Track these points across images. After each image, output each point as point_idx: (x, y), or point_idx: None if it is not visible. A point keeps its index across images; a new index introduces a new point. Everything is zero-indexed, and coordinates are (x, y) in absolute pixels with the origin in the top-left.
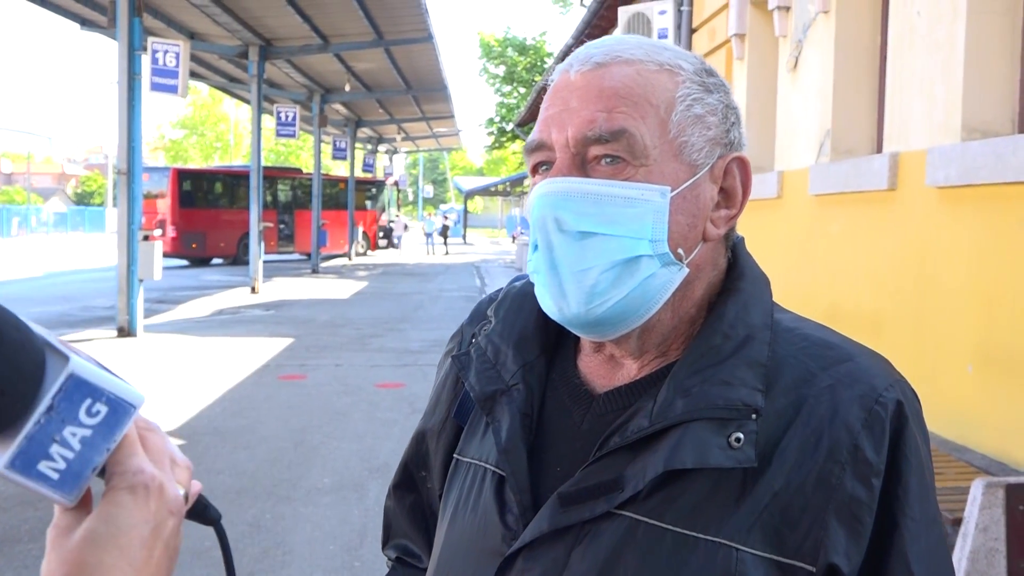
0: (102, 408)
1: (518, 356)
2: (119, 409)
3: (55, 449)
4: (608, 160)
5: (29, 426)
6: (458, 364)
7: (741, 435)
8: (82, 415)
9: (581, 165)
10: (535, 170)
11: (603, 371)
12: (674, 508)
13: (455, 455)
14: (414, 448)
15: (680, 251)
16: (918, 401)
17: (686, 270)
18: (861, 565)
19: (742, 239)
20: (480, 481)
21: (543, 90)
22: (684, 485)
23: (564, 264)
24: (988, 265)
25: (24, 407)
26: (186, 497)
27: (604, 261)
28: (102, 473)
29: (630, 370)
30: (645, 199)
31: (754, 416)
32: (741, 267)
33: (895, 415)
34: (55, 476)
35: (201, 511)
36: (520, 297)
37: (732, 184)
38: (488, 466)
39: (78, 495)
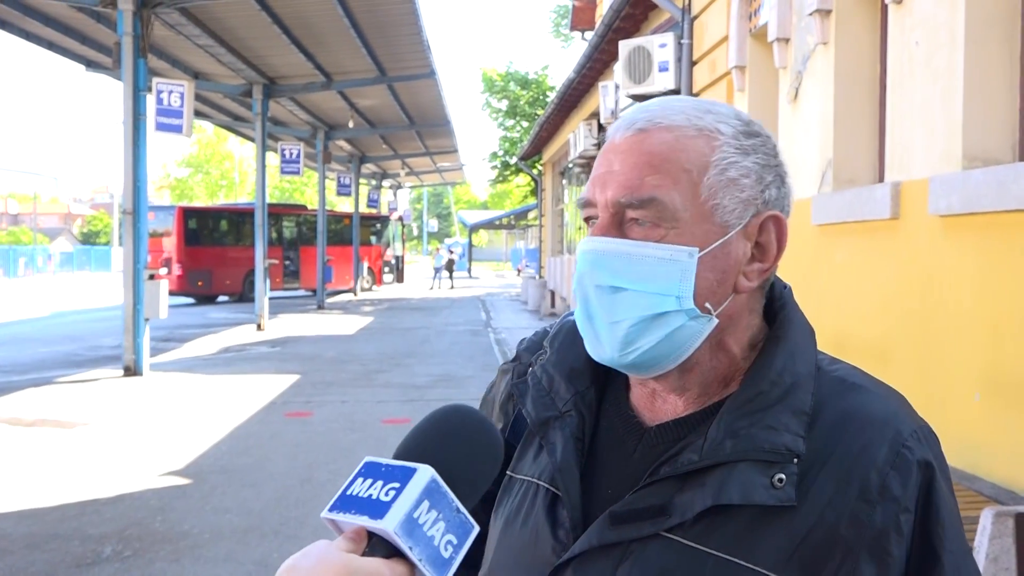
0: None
1: (570, 386)
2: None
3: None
4: (640, 222)
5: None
6: (517, 391)
7: (783, 476)
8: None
9: (619, 224)
10: (587, 221)
11: (650, 404)
12: (718, 536)
13: (508, 472)
14: None
15: (708, 305)
16: (938, 443)
17: (715, 321)
18: None
19: (789, 288)
20: (533, 497)
21: (551, 120)
22: (727, 517)
23: (598, 315)
24: (993, 293)
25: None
26: None
27: (633, 315)
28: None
29: (676, 406)
30: (674, 259)
31: (795, 460)
32: (789, 316)
33: (923, 460)
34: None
35: None
36: (573, 331)
37: (767, 240)
38: (542, 483)
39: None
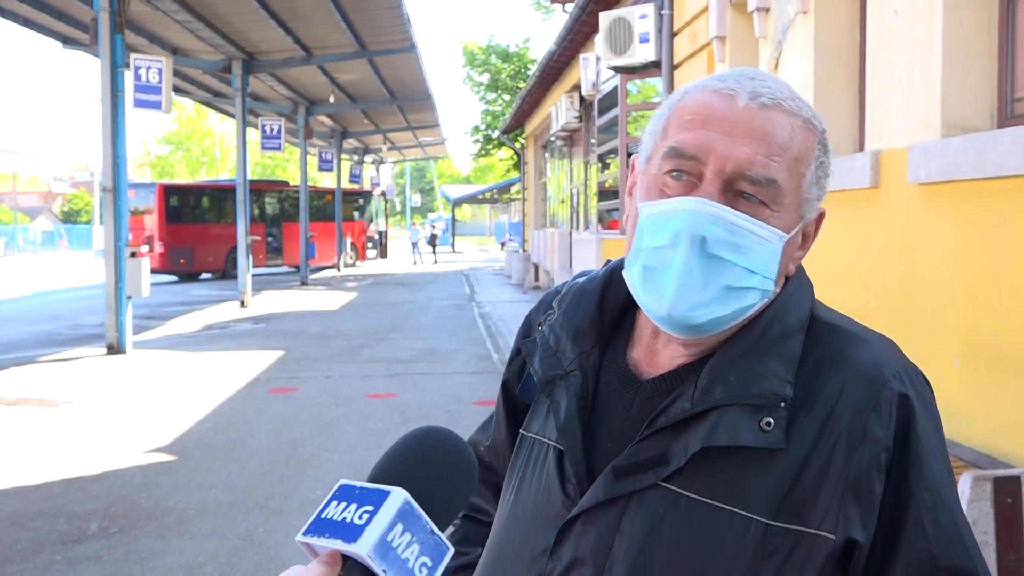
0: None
1: (576, 346)
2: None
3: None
4: (748, 196)
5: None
6: (525, 350)
7: (771, 420)
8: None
9: (725, 192)
10: (669, 172)
11: (649, 358)
12: (713, 484)
13: (521, 430)
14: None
15: (775, 285)
16: (928, 385)
17: (771, 298)
18: (876, 531)
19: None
20: (543, 455)
21: (533, 94)
22: (722, 464)
23: (693, 277)
24: (971, 260)
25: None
26: None
27: (724, 283)
28: None
29: (675, 357)
30: (770, 240)
31: (783, 404)
32: (791, 276)
33: (901, 398)
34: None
35: None
36: (580, 293)
37: (811, 232)
38: (550, 441)
39: None
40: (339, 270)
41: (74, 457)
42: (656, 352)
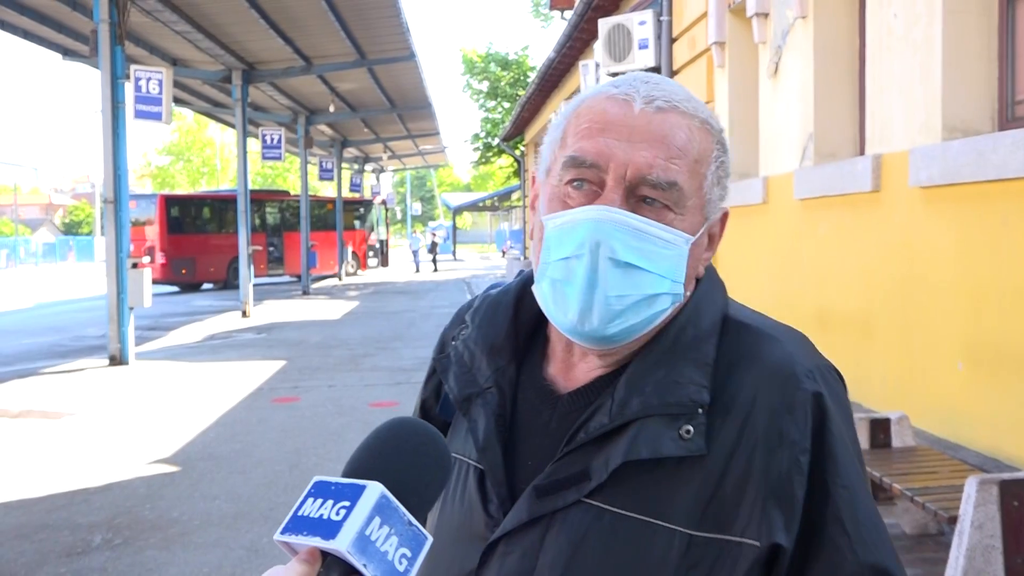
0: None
1: (491, 361)
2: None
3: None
4: (650, 201)
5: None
6: (440, 367)
7: (691, 427)
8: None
9: (628, 199)
10: (570, 182)
11: (565, 371)
12: (636, 497)
13: None
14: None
15: (685, 289)
16: (840, 379)
17: (682, 302)
18: (799, 534)
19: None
20: (465, 474)
21: (532, 101)
22: (645, 476)
23: (602, 287)
24: (973, 263)
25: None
26: None
27: (638, 292)
28: None
29: (590, 371)
30: (676, 244)
31: (701, 411)
32: (701, 278)
33: (815, 398)
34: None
35: None
36: (493, 306)
37: (716, 232)
38: (470, 461)
39: None
40: (340, 279)
41: (78, 469)
42: (571, 366)
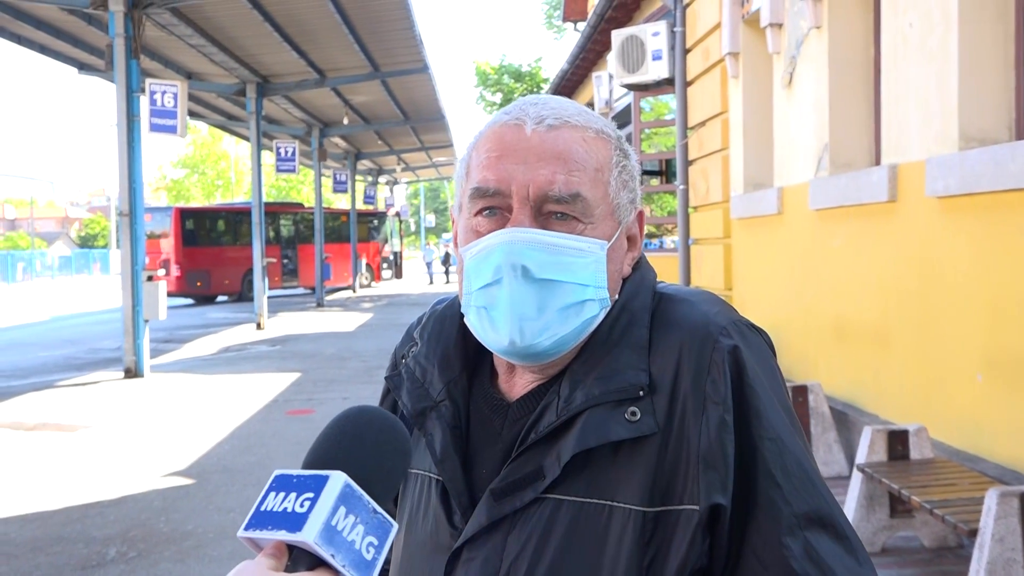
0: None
1: (443, 375)
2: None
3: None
4: (559, 215)
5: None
6: (392, 384)
7: (636, 409)
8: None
9: (536, 217)
10: (482, 212)
11: (509, 381)
12: (592, 484)
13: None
14: None
15: (610, 293)
16: (758, 332)
17: (609, 305)
18: (735, 492)
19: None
20: (427, 488)
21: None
22: (600, 464)
23: (524, 305)
24: (992, 273)
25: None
26: None
27: (558, 303)
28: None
29: (531, 383)
30: (591, 251)
31: (642, 392)
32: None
33: (731, 353)
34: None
35: None
36: (440, 321)
37: (635, 232)
38: (430, 474)
39: None
40: (354, 291)
41: (93, 481)
42: (514, 383)
